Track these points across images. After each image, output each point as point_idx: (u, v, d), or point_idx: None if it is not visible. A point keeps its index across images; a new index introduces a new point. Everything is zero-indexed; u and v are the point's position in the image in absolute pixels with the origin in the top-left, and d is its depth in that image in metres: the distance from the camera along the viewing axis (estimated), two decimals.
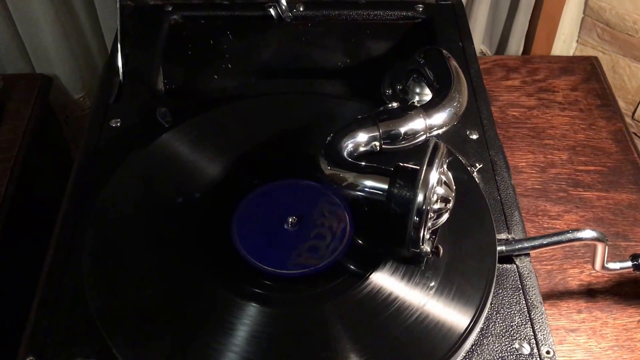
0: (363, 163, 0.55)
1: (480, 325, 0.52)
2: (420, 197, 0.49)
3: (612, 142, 0.87)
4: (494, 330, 0.53)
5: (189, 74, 0.84)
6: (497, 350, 0.51)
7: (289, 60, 0.85)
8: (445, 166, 0.51)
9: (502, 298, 0.55)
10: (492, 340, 0.52)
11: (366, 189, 0.53)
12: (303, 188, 0.60)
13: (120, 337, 0.50)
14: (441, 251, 0.53)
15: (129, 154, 0.63)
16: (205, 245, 0.56)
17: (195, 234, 0.57)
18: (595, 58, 0.99)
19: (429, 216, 0.50)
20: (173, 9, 0.82)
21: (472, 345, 0.51)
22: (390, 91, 0.73)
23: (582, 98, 0.93)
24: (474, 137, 0.67)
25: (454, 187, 0.52)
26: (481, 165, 0.64)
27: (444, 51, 0.66)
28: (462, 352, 0.50)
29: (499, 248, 0.56)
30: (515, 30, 1.12)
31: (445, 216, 0.52)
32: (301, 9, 0.81)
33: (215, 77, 0.85)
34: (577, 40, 1.15)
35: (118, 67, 0.74)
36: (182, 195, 0.60)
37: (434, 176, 0.49)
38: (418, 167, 0.50)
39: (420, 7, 0.82)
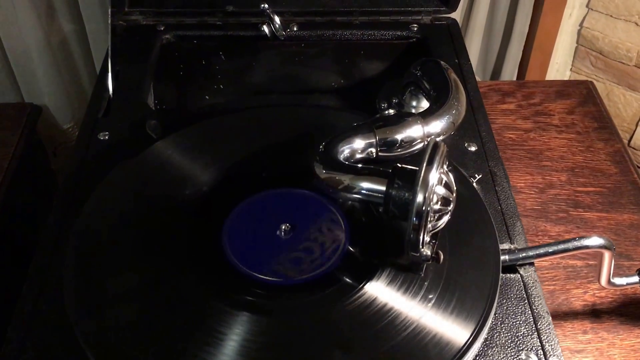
0: (359, 165, 0.53)
1: (483, 335, 0.49)
2: (419, 198, 0.47)
3: (611, 163, 0.85)
4: (499, 340, 0.50)
5: (181, 94, 0.83)
6: None
7: (282, 81, 0.84)
8: (445, 166, 0.49)
9: (507, 308, 0.52)
10: (497, 351, 0.49)
11: (363, 191, 0.51)
12: (296, 197, 0.58)
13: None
14: (442, 257, 0.51)
15: (116, 165, 0.61)
16: (194, 255, 0.54)
17: (184, 244, 0.55)
18: (591, 82, 0.98)
19: (429, 218, 0.48)
20: (165, 29, 0.81)
21: (476, 356, 0.49)
22: (385, 105, 0.71)
23: (578, 121, 0.92)
24: (473, 149, 0.65)
25: (455, 188, 0.50)
26: (480, 176, 0.62)
27: (441, 62, 0.65)
28: None
29: (502, 257, 0.54)
30: (509, 59, 1.12)
31: (446, 218, 0.50)
32: (295, 28, 0.81)
33: (207, 97, 0.83)
34: (571, 69, 1.15)
35: (108, 82, 0.73)
36: (174, 201, 0.58)
37: (433, 176, 0.47)
38: (417, 168, 0.49)
39: (415, 27, 0.81)
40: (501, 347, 0.49)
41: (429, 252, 0.49)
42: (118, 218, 0.57)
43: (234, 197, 0.58)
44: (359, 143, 0.56)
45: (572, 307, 0.69)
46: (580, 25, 1.10)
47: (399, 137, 0.57)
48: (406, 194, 0.49)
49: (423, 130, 0.58)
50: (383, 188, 0.50)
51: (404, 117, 0.58)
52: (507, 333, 0.50)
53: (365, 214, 0.57)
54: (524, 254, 0.54)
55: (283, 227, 0.54)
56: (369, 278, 0.51)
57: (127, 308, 0.49)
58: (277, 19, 0.77)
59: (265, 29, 0.76)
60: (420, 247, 0.49)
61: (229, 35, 0.81)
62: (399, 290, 0.50)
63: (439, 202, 0.49)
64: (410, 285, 0.51)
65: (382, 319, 0.49)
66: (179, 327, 0.48)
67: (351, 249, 0.54)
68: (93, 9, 1.08)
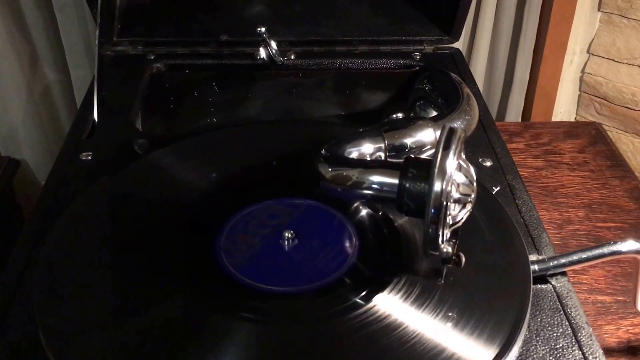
0: (368, 158, 0.48)
1: (517, 348, 0.42)
2: (437, 186, 0.41)
3: (629, 199, 0.80)
4: (535, 355, 0.43)
5: (171, 126, 0.78)
6: None
7: (278, 113, 0.79)
8: (463, 154, 0.44)
9: (541, 320, 0.45)
10: None
11: (374, 186, 0.45)
12: (299, 206, 0.52)
13: None
14: (463, 260, 0.45)
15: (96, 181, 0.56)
16: (184, 267, 0.47)
17: (174, 256, 0.48)
18: (599, 124, 0.94)
19: (449, 210, 0.42)
20: (156, 58, 0.77)
21: None
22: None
23: (590, 160, 0.87)
24: (488, 164, 0.60)
25: (475, 178, 0.44)
26: (499, 188, 0.56)
27: (450, 73, 0.61)
28: None
29: (531, 267, 0.48)
30: (511, 106, 1.08)
31: (467, 211, 0.44)
32: (292, 57, 0.77)
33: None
34: (575, 117, 1.11)
35: (93, 106, 0.68)
36: (164, 213, 0.52)
37: (451, 162, 0.42)
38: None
39: (418, 55, 0.78)
40: None
41: (450, 249, 0.43)
42: (98, 233, 0.51)
43: (229, 208, 0.52)
44: (367, 147, 0.51)
45: (606, 344, 0.62)
46: (582, 71, 1.08)
47: (409, 141, 0.52)
48: (422, 184, 0.43)
49: (435, 135, 0.53)
50: (395, 180, 0.44)
51: (414, 121, 0.53)
52: (544, 346, 0.43)
53: (376, 221, 0.51)
54: (555, 262, 0.48)
55: (286, 235, 0.48)
56: (380, 289, 0.45)
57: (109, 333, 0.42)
58: (274, 44, 0.73)
59: (262, 52, 0.73)
60: (440, 243, 0.42)
61: (222, 64, 0.77)
62: (414, 304, 0.44)
63: (459, 192, 0.43)
64: (429, 298, 0.44)
65: (391, 335, 0.42)
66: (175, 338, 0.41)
67: (360, 260, 0.48)
68: (79, 57, 1.05)
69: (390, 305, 0.43)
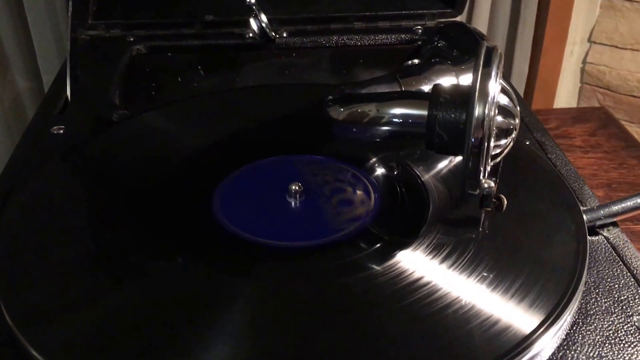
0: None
1: (576, 303, 0.35)
2: (479, 110, 0.35)
3: None
4: (597, 308, 0.36)
5: None
6: (608, 328, 0.35)
7: None
8: (501, 78, 0.38)
9: (597, 273, 0.39)
10: (599, 318, 0.35)
11: (396, 120, 0.39)
12: (304, 162, 0.46)
13: None
14: (505, 203, 0.38)
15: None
16: (179, 225, 0.40)
17: (165, 217, 0.41)
18: (607, 110, 0.89)
19: (491, 138, 0.36)
20: (136, 40, 0.71)
21: (572, 324, 0.35)
22: None
23: (603, 142, 0.82)
24: None
25: (517, 103, 0.38)
26: (528, 143, 0.50)
27: (467, 24, 0.55)
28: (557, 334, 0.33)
29: None
30: None
31: (510, 140, 0.37)
32: (284, 34, 0.71)
33: None
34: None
35: (66, 84, 0.61)
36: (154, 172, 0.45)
37: (493, 83, 0.36)
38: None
39: (420, 29, 0.72)
40: (603, 313, 0.36)
41: (492, 184, 0.36)
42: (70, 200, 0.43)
43: (227, 166, 0.45)
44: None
45: None
46: (584, 62, 1.03)
47: (428, 88, 0.46)
48: (458, 111, 0.37)
49: (457, 80, 0.47)
50: (423, 111, 0.38)
51: (432, 65, 0.47)
52: (606, 299, 0.37)
53: (397, 176, 0.44)
54: (606, 210, 0.42)
55: (293, 189, 0.41)
56: (407, 242, 0.38)
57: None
58: (264, 17, 0.68)
59: (253, 24, 0.67)
60: (481, 177, 0.36)
61: (208, 45, 0.71)
62: (446, 260, 0.37)
63: (502, 117, 0.37)
64: (463, 254, 0.37)
65: (418, 293, 0.35)
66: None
67: (380, 214, 0.41)
68: (51, 62, 0.98)
69: (417, 261, 0.36)
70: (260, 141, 0.50)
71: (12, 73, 1.00)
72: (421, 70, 0.46)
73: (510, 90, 0.38)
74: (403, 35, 0.72)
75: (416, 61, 0.48)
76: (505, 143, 0.37)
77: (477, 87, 0.35)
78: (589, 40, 1.01)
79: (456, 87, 0.38)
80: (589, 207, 0.44)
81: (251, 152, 0.47)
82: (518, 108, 0.38)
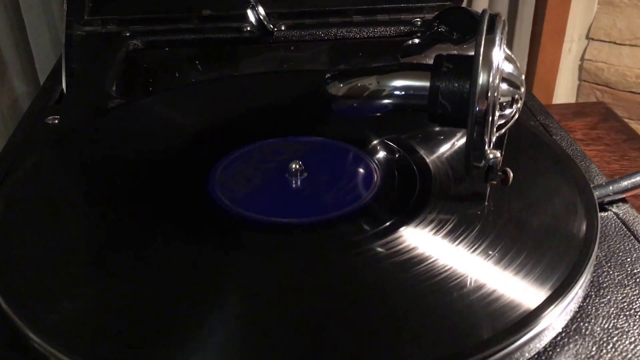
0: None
1: (588, 275, 0.34)
2: (483, 78, 0.34)
3: None
4: (610, 280, 0.35)
5: None
6: (622, 300, 0.34)
7: None
8: (505, 46, 0.37)
9: (608, 247, 0.38)
10: (612, 290, 0.34)
11: (397, 92, 0.38)
12: (302, 142, 0.45)
13: None
14: (511, 176, 0.37)
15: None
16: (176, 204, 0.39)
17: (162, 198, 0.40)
18: (607, 105, 0.89)
19: (496, 108, 0.35)
20: (132, 35, 0.70)
21: (585, 296, 0.34)
22: None
23: (604, 135, 0.81)
24: None
25: (522, 73, 0.37)
26: (532, 124, 0.49)
27: (467, 8, 0.55)
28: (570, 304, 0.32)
29: None
30: None
31: (516, 109, 0.37)
32: (282, 28, 0.71)
33: None
34: None
35: (62, 77, 0.60)
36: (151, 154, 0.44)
37: (497, 50, 0.35)
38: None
39: (419, 21, 0.72)
40: (617, 286, 0.35)
41: (498, 155, 0.35)
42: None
43: (226, 147, 0.45)
44: None
45: None
46: (582, 59, 1.03)
47: None
48: (461, 80, 0.36)
49: None
50: (425, 82, 0.37)
51: (433, 44, 0.46)
52: (619, 272, 0.36)
53: (399, 158, 0.44)
54: (615, 186, 0.41)
55: (293, 167, 0.40)
56: (409, 218, 0.37)
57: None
58: (262, 10, 0.67)
59: (250, 15, 0.66)
60: (486, 148, 0.35)
61: (206, 39, 0.70)
62: (450, 235, 0.36)
63: (506, 85, 0.36)
64: (468, 229, 0.36)
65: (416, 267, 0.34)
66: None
67: (383, 191, 0.40)
68: (50, 68, 0.97)
69: (420, 237, 0.35)
70: (257, 125, 0.49)
71: (9, 78, 0.99)
72: (422, 49, 0.46)
73: (514, 58, 0.37)
74: (402, 27, 0.71)
75: (416, 40, 0.47)
76: (511, 113, 0.36)
77: (481, 55, 0.35)
78: (587, 37, 1.01)
79: (459, 57, 0.37)
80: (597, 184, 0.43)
81: (249, 135, 0.46)
82: (522, 76, 0.37)
